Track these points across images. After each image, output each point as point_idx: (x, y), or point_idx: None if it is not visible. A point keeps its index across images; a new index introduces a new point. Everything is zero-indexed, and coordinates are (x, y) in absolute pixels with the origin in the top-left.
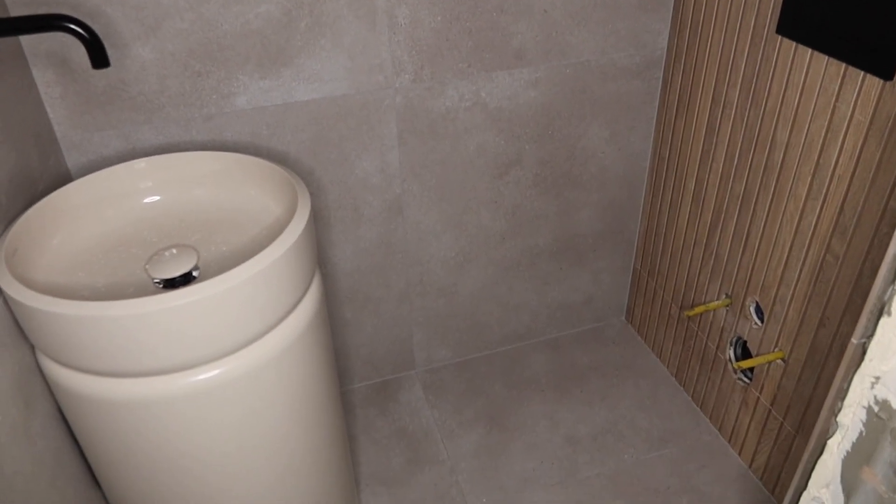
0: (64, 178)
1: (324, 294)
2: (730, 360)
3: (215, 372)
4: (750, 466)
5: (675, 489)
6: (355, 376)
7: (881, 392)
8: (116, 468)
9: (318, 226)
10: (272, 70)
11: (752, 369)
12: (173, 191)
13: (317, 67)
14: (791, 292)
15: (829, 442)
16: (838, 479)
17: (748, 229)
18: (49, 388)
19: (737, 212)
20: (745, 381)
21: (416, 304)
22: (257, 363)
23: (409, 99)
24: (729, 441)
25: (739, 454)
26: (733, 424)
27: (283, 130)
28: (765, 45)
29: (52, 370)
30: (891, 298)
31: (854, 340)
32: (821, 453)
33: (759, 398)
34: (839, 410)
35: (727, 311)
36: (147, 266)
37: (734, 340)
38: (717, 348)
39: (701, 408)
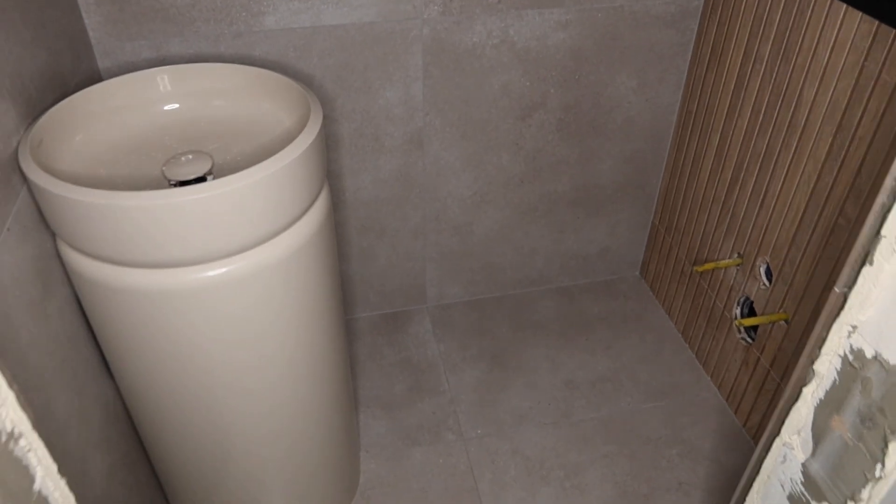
0: (95, 81)
1: (331, 208)
2: (735, 318)
3: (223, 270)
4: (744, 425)
5: (666, 440)
6: (367, 305)
7: (857, 341)
8: (127, 356)
9: (338, 153)
10: None
11: (755, 329)
12: (192, 101)
13: None
14: (801, 254)
15: (805, 390)
16: (810, 426)
17: (766, 188)
18: (68, 276)
19: (757, 170)
20: (747, 341)
21: (430, 240)
22: (263, 265)
23: (436, 31)
24: (726, 399)
25: (735, 413)
26: (732, 383)
27: (310, 54)
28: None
29: (70, 257)
30: (874, 248)
31: (836, 289)
32: (796, 400)
33: (759, 358)
34: (817, 358)
35: (738, 270)
36: (164, 168)
37: (742, 300)
38: (725, 307)
39: (703, 365)
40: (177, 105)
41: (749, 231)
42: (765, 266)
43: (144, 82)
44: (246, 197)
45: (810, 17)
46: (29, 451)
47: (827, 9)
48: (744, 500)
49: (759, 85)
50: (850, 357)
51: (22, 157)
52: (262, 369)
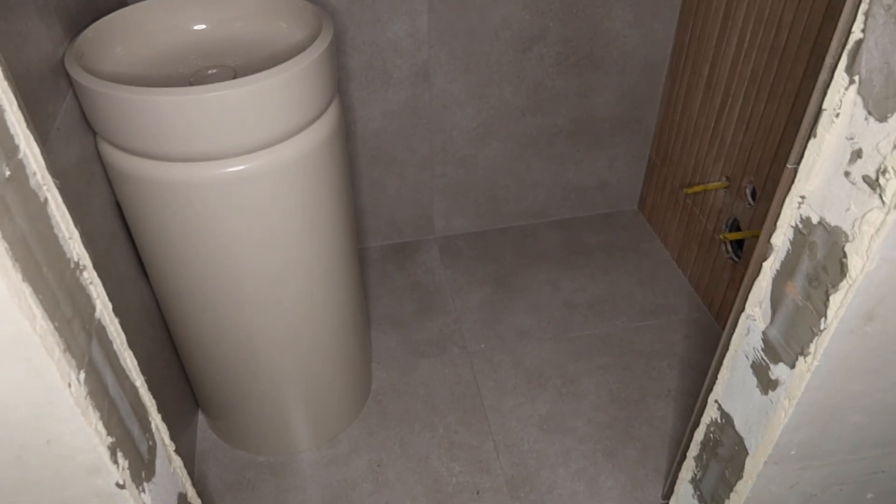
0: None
1: (342, 120)
2: (722, 236)
3: (242, 166)
4: None
5: (658, 353)
6: (378, 235)
7: (805, 210)
8: (158, 249)
9: (349, 85)
10: None
11: (741, 247)
12: (218, 22)
13: None
14: (782, 171)
15: (764, 264)
16: (769, 296)
17: (751, 112)
18: (107, 176)
19: (742, 94)
20: (734, 260)
21: (437, 172)
22: (278, 163)
23: None
24: (715, 317)
25: (722, 328)
26: (721, 301)
27: None
28: None
29: (108, 152)
30: (816, 122)
31: (789, 165)
32: (757, 276)
33: (744, 275)
34: (772, 233)
35: (725, 192)
36: (192, 78)
37: (729, 221)
38: (714, 229)
39: (695, 288)
40: (204, 25)
41: (735, 154)
42: (750, 187)
43: (177, 3)
44: (264, 96)
45: None
46: (91, 284)
47: None
48: (715, 377)
49: (745, 12)
50: (801, 226)
51: (67, 60)
52: (280, 270)
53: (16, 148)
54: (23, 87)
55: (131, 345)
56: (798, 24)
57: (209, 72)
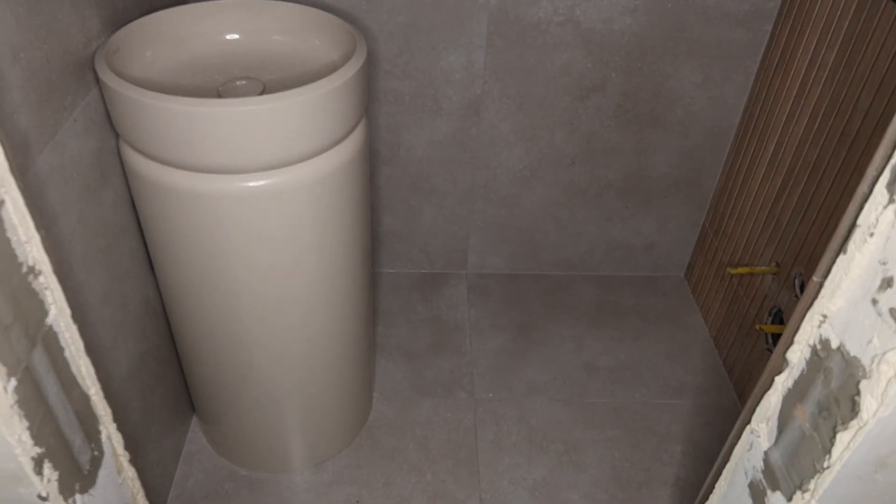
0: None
1: (367, 142)
2: (760, 326)
3: (262, 182)
4: None
5: (674, 436)
6: (409, 261)
7: (826, 331)
8: (169, 252)
9: (397, 108)
10: None
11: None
12: (252, 33)
13: None
14: None
15: (777, 378)
16: (777, 414)
17: (811, 199)
18: (125, 173)
19: (805, 179)
20: (772, 352)
21: (477, 207)
22: (299, 182)
23: (503, 2)
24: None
25: None
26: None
27: (381, 9)
28: (869, 6)
29: (129, 155)
30: (849, 237)
31: (815, 279)
32: (768, 389)
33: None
34: (789, 348)
35: (773, 279)
36: (220, 88)
37: (773, 310)
38: (756, 316)
39: (728, 373)
40: (237, 36)
41: (789, 241)
42: (800, 278)
43: (212, 12)
44: (288, 115)
45: (875, 26)
46: (47, 288)
47: (892, 21)
48: (713, 487)
49: (820, 92)
50: (818, 346)
51: (97, 59)
52: (289, 285)
53: None
54: (38, 76)
55: (122, 340)
56: (874, 112)
57: (238, 83)
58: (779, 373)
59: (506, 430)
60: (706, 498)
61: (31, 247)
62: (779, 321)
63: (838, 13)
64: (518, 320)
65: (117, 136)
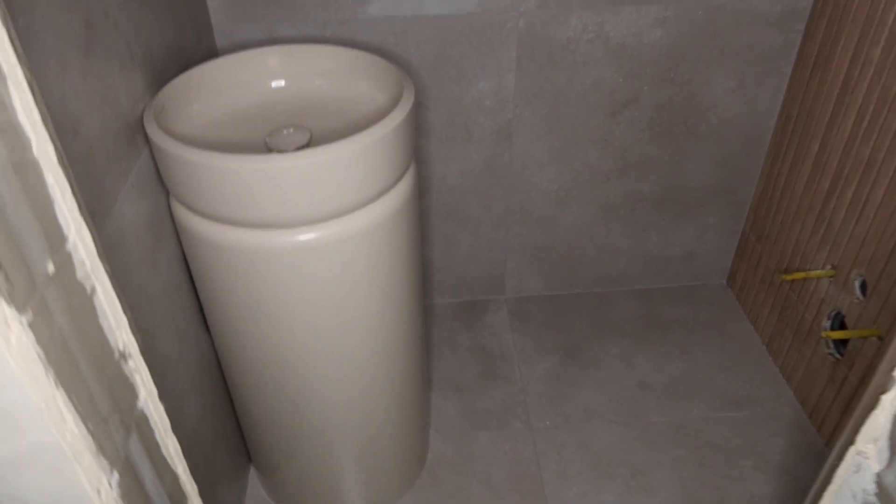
0: (213, 59)
1: (417, 186)
2: (823, 330)
3: (313, 235)
4: (826, 444)
5: (740, 451)
6: (447, 292)
7: None
8: (222, 309)
9: (428, 140)
10: None
11: (844, 345)
12: (297, 79)
13: None
14: None
15: (884, 397)
16: (887, 435)
17: (866, 198)
18: (176, 230)
19: (857, 179)
20: (836, 357)
21: (512, 231)
22: (350, 233)
23: (531, 24)
24: (809, 416)
25: (818, 430)
26: (817, 400)
27: (408, 42)
28: None
29: (180, 213)
30: None
31: None
32: (873, 408)
33: (847, 375)
34: None
35: (830, 282)
36: (267, 138)
37: (832, 314)
38: (814, 321)
39: (787, 379)
40: (283, 82)
41: (845, 242)
42: (860, 279)
43: (256, 60)
44: (339, 166)
45: None
46: (136, 371)
47: None
48: None
49: (867, 89)
50: None
51: (146, 119)
52: (343, 335)
53: (64, 238)
54: (97, 148)
55: (185, 402)
56: None
57: (285, 132)
58: (885, 391)
59: (568, 458)
60: None
61: (120, 331)
62: (839, 325)
63: (881, 8)
64: (563, 342)
65: (168, 193)
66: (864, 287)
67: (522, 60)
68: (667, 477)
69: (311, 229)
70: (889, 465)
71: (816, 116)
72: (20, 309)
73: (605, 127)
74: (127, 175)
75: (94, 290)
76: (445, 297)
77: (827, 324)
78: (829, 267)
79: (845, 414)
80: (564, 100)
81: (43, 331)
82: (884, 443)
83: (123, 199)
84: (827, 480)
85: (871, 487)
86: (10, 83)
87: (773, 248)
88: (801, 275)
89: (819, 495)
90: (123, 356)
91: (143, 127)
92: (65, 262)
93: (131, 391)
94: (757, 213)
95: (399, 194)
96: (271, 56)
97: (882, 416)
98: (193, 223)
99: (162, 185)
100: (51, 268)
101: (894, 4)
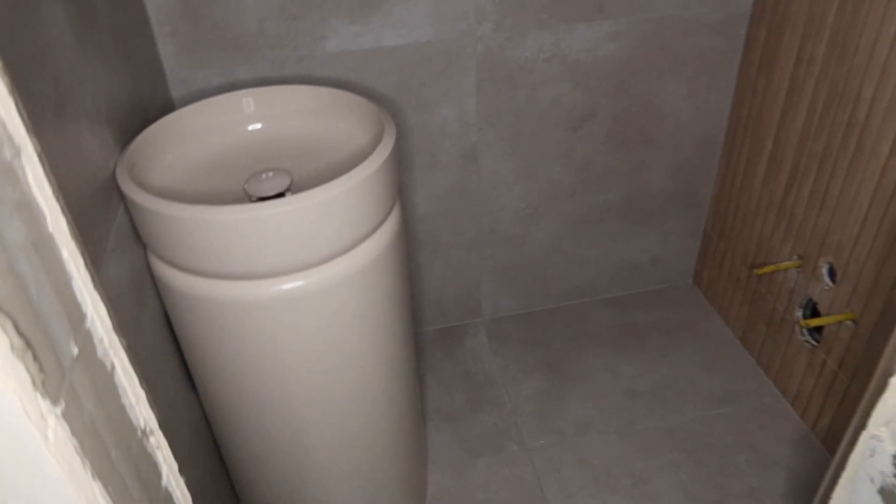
0: (168, 109)
1: (403, 223)
2: (798, 320)
3: (300, 283)
4: (812, 429)
5: (734, 447)
6: (424, 320)
7: None
8: (209, 365)
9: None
10: (362, 15)
11: (819, 332)
12: (274, 121)
13: (404, 14)
14: (867, 252)
15: (891, 380)
16: None
17: (826, 189)
18: (156, 288)
19: (814, 171)
20: (812, 344)
21: (485, 253)
22: (338, 278)
23: (489, 48)
24: (791, 404)
25: (802, 417)
26: (797, 387)
27: (369, 75)
28: None
29: (159, 268)
30: None
31: None
32: (882, 392)
33: (825, 360)
34: None
35: (798, 272)
36: (246, 184)
37: (804, 302)
38: (786, 311)
39: (765, 371)
40: (259, 125)
41: (809, 232)
42: (827, 266)
43: (231, 104)
44: (323, 212)
45: (867, 15)
46: (158, 448)
47: (884, 7)
48: (828, 498)
49: (815, 86)
50: None
51: (119, 175)
52: (336, 380)
53: (83, 316)
54: (77, 214)
55: (185, 471)
56: (880, 99)
57: (264, 176)
58: (892, 374)
59: (568, 475)
60: None
61: (140, 407)
62: (812, 313)
63: (820, 8)
64: (545, 359)
65: (145, 249)
66: (832, 273)
67: (483, 84)
68: (668, 482)
69: (297, 277)
70: None
71: (767, 115)
72: (54, 400)
73: (567, 142)
74: (107, 237)
75: (113, 367)
76: (423, 325)
77: (799, 312)
78: (795, 258)
79: (828, 398)
80: (526, 119)
81: (76, 420)
82: None
83: (108, 263)
84: (840, 467)
85: (890, 469)
86: (23, 156)
87: (737, 245)
88: (771, 267)
89: (833, 483)
90: (145, 433)
91: (116, 183)
92: (86, 341)
93: (155, 469)
94: (717, 213)
95: (387, 232)
96: (246, 99)
97: (892, 398)
98: (175, 278)
99: (139, 240)
100: (75, 349)
101: (832, 6)
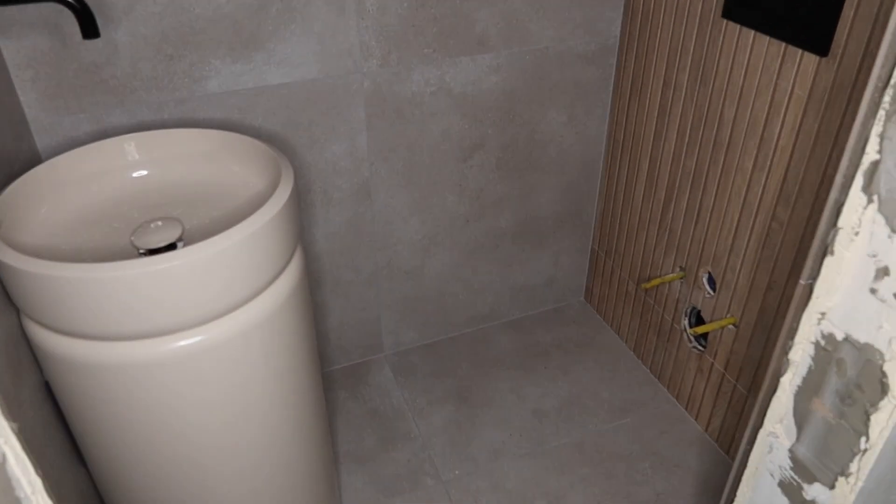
0: (34, 160)
1: (305, 267)
2: (685, 328)
3: (197, 338)
4: (706, 430)
5: (638, 455)
6: (325, 360)
7: (826, 327)
8: (100, 437)
9: None
10: (244, 54)
11: (705, 337)
12: (159, 166)
13: (287, 52)
14: (740, 260)
15: (782, 379)
16: (791, 412)
17: (700, 204)
18: (35, 356)
19: (689, 188)
20: (699, 349)
21: (383, 287)
22: (239, 330)
23: (376, 84)
24: (686, 407)
25: (696, 419)
26: (689, 391)
27: (255, 114)
28: (711, 28)
29: (36, 334)
30: (833, 240)
31: (802, 281)
32: (774, 391)
33: (713, 364)
34: (790, 349)
35: (682, 283)
36: (132, 237)
37: (688, 311)
38: (673, 320)
39: (659, 378)
40: (145, 172)
41: (688, 245)
42: (707, 275)
43: (111, 150)
44: (218, 263)
45: (722, 45)
46: None
47: (737, 36)
48: (734, 496)
49: (682, 109)
50: (823, 342)
51: None
52: (242, 431)
53: None
54: None
55: None
56: (740, 120)
57: (153, 226)
58: (782, 374)
59: (486, 503)
60: None
61: (36, 497)
62: (697, 320)
63: (681, 40)
64: (453, 388)
65: (18, 311)
66: (711, 282)
67: (372, 119)
68: (581, 497)
69: (195, 332)
70: (798, 439)
71: (642, 138)
72: None
73: (459, 172)
74: None
75: (4, 458)
76: (325, 365)
77: (685, 320)
78: (678, 269)
79: (717, 399)
80: (418, 151)
81: None
82: (790, 420)
83: None
84: (743, 465)
85: (787, 463)
86: None
87: (624, 261)
88: (657, 281)
89: (737, 480)
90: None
91: None
92: None
93: None
94: (602, 231)
95: (290, 276)
96: (128, 144)
97: (784, 396)
98: (53, 342)
99: (11, 304)
100: None
101: (692, 37)
